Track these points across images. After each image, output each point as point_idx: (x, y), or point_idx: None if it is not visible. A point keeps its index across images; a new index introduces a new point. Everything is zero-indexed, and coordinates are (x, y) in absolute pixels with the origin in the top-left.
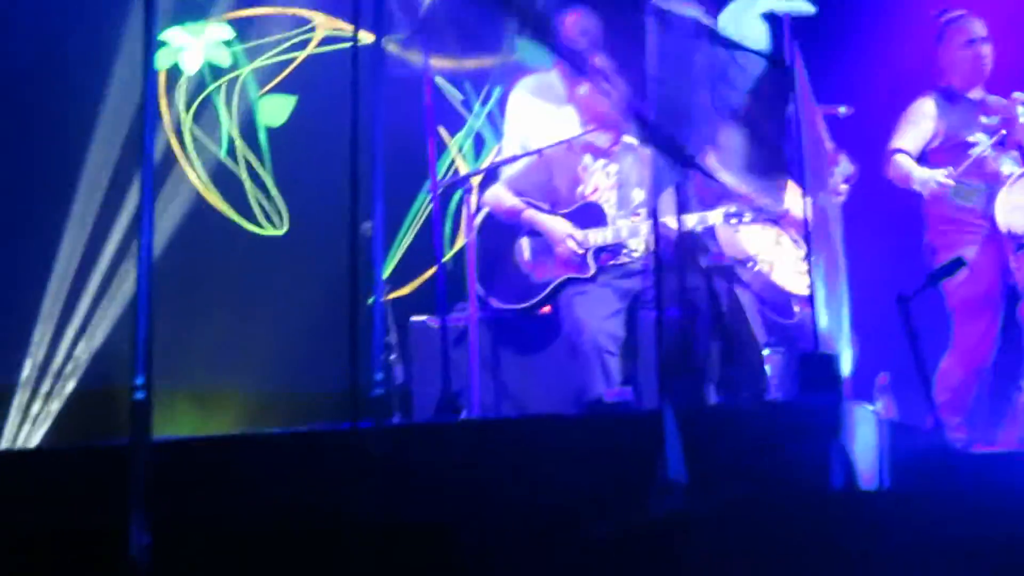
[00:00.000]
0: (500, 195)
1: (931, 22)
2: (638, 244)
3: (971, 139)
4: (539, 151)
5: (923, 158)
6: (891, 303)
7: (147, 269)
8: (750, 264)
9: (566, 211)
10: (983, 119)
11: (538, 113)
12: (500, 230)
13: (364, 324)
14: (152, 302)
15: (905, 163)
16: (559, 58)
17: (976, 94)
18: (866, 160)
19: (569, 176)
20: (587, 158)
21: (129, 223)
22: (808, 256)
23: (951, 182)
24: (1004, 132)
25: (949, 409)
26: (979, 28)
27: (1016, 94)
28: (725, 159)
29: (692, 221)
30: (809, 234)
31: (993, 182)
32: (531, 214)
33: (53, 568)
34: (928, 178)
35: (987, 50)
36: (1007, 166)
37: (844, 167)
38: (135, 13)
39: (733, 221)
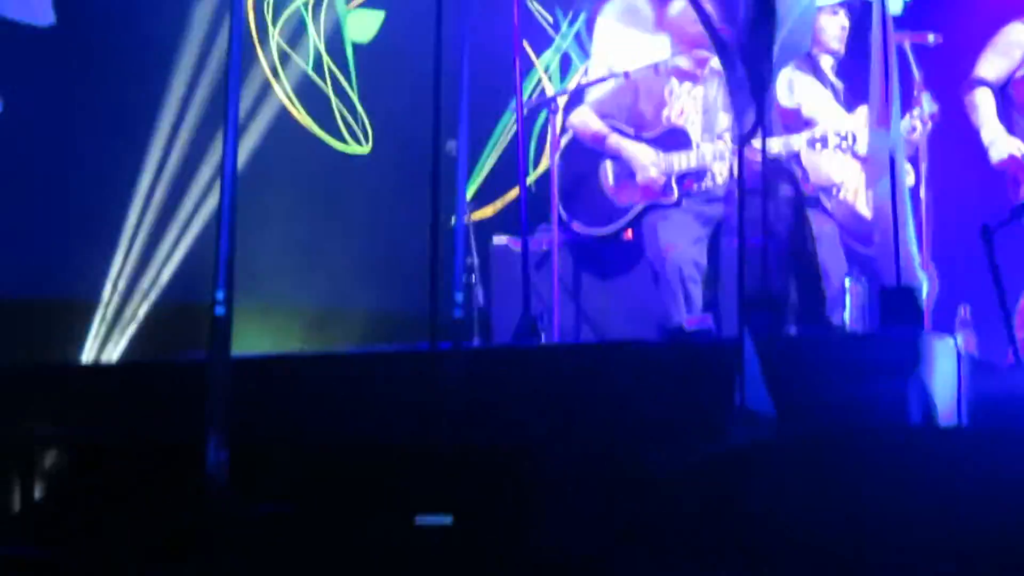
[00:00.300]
0: (585, 118)
1: None
2: (722, 169)
3: None
4: (626, 74)
5: (1007, 87)
6: (974, 235)
7: (231, 184)
8: (834, 191)
9: (651, 135)
10: None
11: (625, 37)
12: (584, 153)
13: (445, 245)
14: (236, 216)
15: (983, 110)
16: None
17: None
18: (954, 91)
19: (655, 100)
20: (673, 82)
21: (213, 137)
22: (892, 187)
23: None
24: None
25: None
26: None
27: None
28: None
29: (776, 146)
30: (893, 164)
31: None
32: (615, 139)
33: (131, 481)
34: (1001, 147)
35: None
36: None
37: (927, 106)
38: None
39: (818, 147)
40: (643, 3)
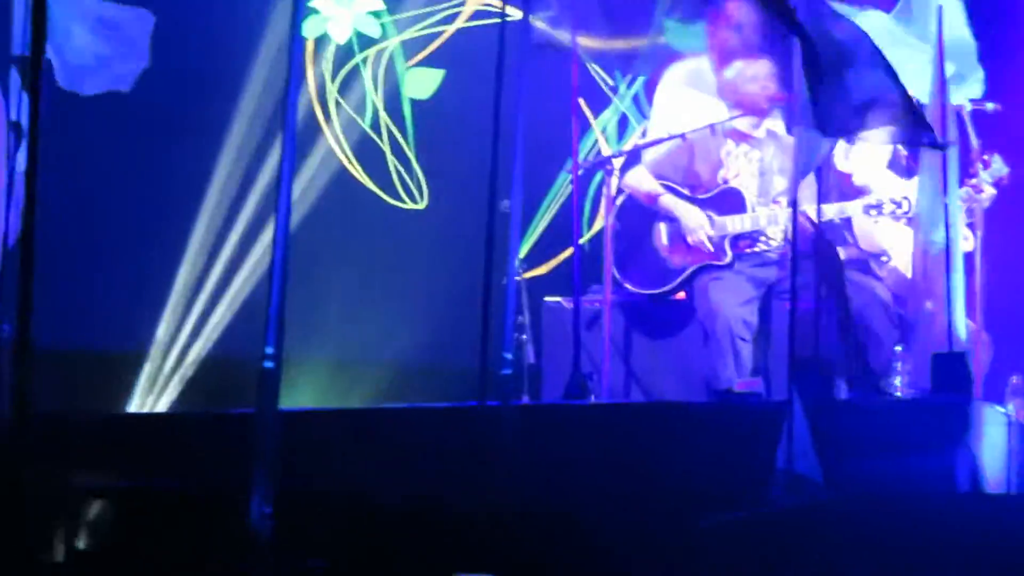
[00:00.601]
0: (640, 177)
1: None
2: (776, 233)
3: None
4: (682, 135)
5: None
6: None
7: (284, 239)
8: (884, 258)
9: (706, 196)
10: None
11: (686, 100)
12: (639, 213)
13: (497, 303)
14: (287, 272)
15: None
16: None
17: None
18: (1010, 158)
19: (711, 161)
20: (730, 143)
21: (269, 191)
22: (947, 254)
23: None
24: None
25: None
26: None
27: None
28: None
29: (831, 212)
30: (948, 234)
31: None
32: (668, 199)
33: (176, 530)
34: None
35: None
36: None
37: (997, 167)
38: None
39: (873, 213)
40: (705, 66)
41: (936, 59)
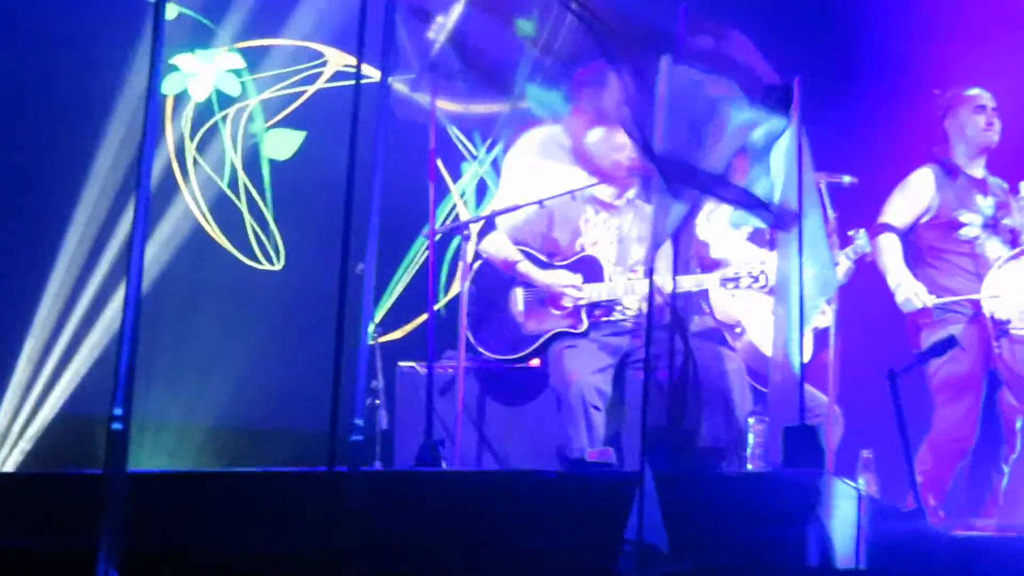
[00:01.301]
0: (498, 243)
1: (936, 98)
2: (632, 302)
3: (963, 219)
4: (540, 201)
5: (912, 231)
6: (877, 377)
7: (135, 298)
8: (738, 330)
9: (564, 263)
10: (979, 199)
11: (541, 166)
12: (496, 278)
13: (350, 367)
14: (140, 331)
15: (889, 255)
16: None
17: (977, 171)
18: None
19: (570, 228)
20: (589, 211)
21: (125, 249)
22: (800, 328)
23: (931, 302)
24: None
25: (928, 491)
26: (989, 100)
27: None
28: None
29: (688, 283)
30: (802, 309)
31: (980, 264)
32: (525, 267)
33: None
34: (909, 295)
35: (997, 123)
36: (994, 248)
37: (861, 243)
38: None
39: (730, 286)
40: (560, 134)
41: (794, 132)
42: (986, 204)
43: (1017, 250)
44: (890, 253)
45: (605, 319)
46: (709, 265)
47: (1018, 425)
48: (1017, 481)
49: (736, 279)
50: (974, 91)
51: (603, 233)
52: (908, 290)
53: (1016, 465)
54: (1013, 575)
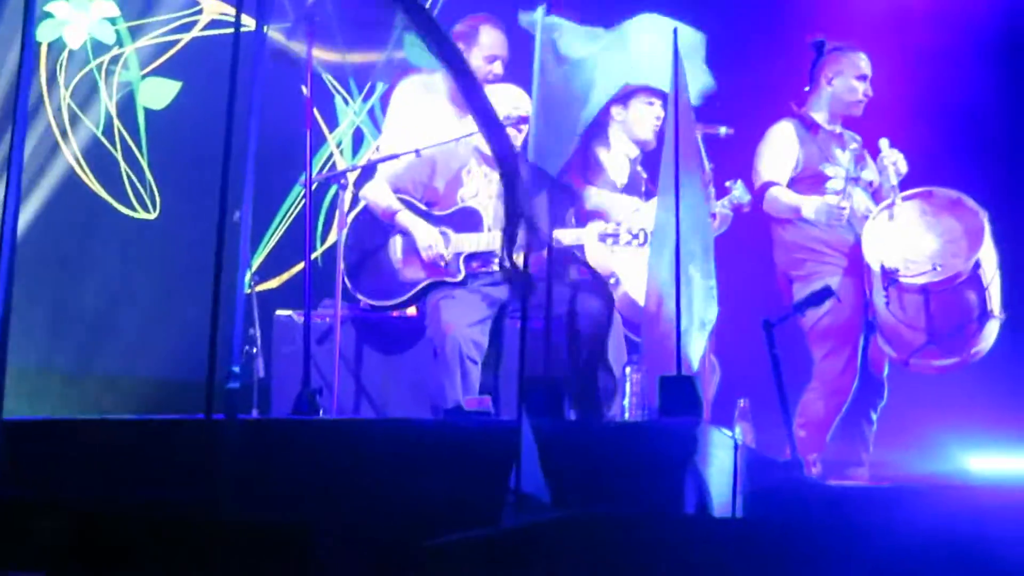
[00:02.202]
0: (378, 191)
1: (813, 45)
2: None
3: (828, 172)
4: (417, 151)
5: (790, 186)
6: (753, 328)
7: (10, 247)
8: (612, 281)
9: (443, 213)
10: (839, 152)
11: (424, 113)
12: (374, 225)
13: (227, 316)
14: (14, 280)
15: (786, 196)
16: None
17: (835, 127)
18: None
19: (451, 177)
20: (472, 162)
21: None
22: (677, 276)
23: (846, 205)
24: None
25: (807, 442)
26: (865, 65)
27: (883, 141)
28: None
29: (567, 238)
30: (679, 259)
31: (849, 216)
32: (404, 216)
33: None
34: (821, 206)
35: (869, 90)
36: (860, 199)
37: (739, 194)
38: None
39: (609, 242)
40: (441, 81)
41: (672, 82)
42: (845, 157)
43: (888, 201)
44: (786, 193)
45: (483, 270)
46: (584, 216)
47: (885, 373)
48: (886, 430)
49: (615, 235)
50: (860, 57)
51: (484, 186)
52: (821, 202)
53: (883, 413)
54: (887, 524)
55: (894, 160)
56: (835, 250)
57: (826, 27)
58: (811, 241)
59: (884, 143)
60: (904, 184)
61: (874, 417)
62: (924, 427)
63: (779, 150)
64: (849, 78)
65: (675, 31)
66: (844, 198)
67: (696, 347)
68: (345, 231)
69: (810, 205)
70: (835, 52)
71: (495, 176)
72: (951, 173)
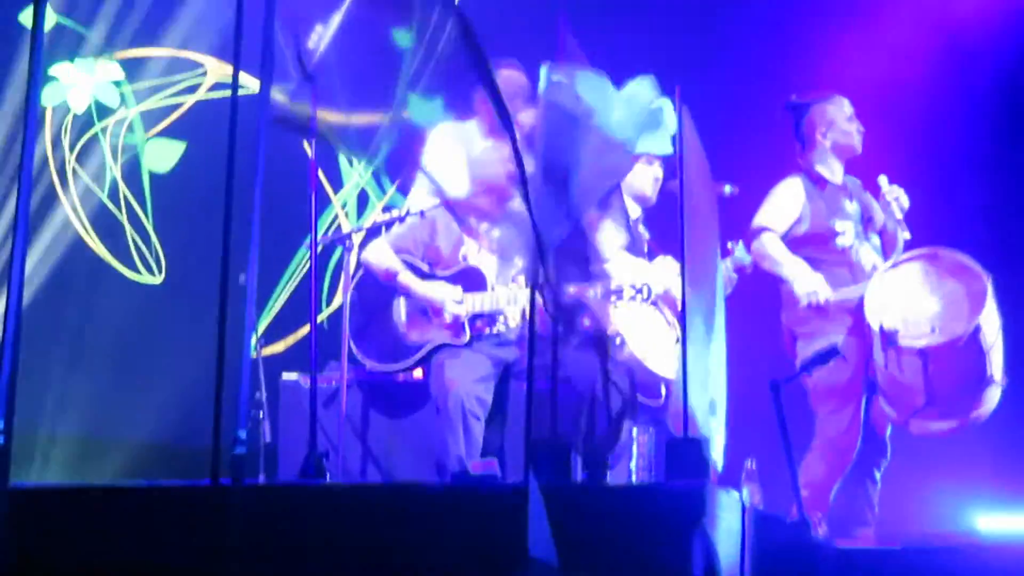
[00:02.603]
0: (379, 253)
1: (797, 106)
2: (515, 313)
3: (838, 227)
4: (421, 212)
5: (786, 242)
6: (758, 389)
7: (15, 312)
8: (617, 341)
9: (446, 273)
10: (847, 204)
11: (459, 157)
12: (380, 287)
13: (232, 380)
14: (21, 345)
15: (777, 250)
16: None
17: (838, 177)
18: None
19: (452, 237)
20: (472, 221)
21: (3, 262)
22: (683, 338)
23: (832, 296)
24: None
25: (810, 501)
26: (848, 105)
27: (881, 179)
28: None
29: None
30: (684, 316)
31: (856, 272)
32: (406, 279)
33: None
34: (810, 288)
35: (860, 125)
36: (867, 255)
37: (740, 255)
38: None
39: (613, 299)
40: (474, 128)
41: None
42: (853, 208)
43: (892, 260)
44: (777, 248)
45: (488, 330)
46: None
47: (888, 432)
48: (891, 490)
49: (619, 291)
50: (842, 100)
51: (485, 244)
52: (811, 281)
53: (887, 473)
54: None
55: (896, 196)
56: (842, 309)
57: (825, 81)
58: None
59: (883, 180)
60: (910, 237)
61: (878, 476)
62: (930, 487)
63: (783, 203)
64: (841, 124)
65: (678, 90)
66: (853, 255)
67: (716, 433)
68: (351, 293)
69: (792, 266)
70: (817, 106)
71: (496, 233)
72: (956, 233)
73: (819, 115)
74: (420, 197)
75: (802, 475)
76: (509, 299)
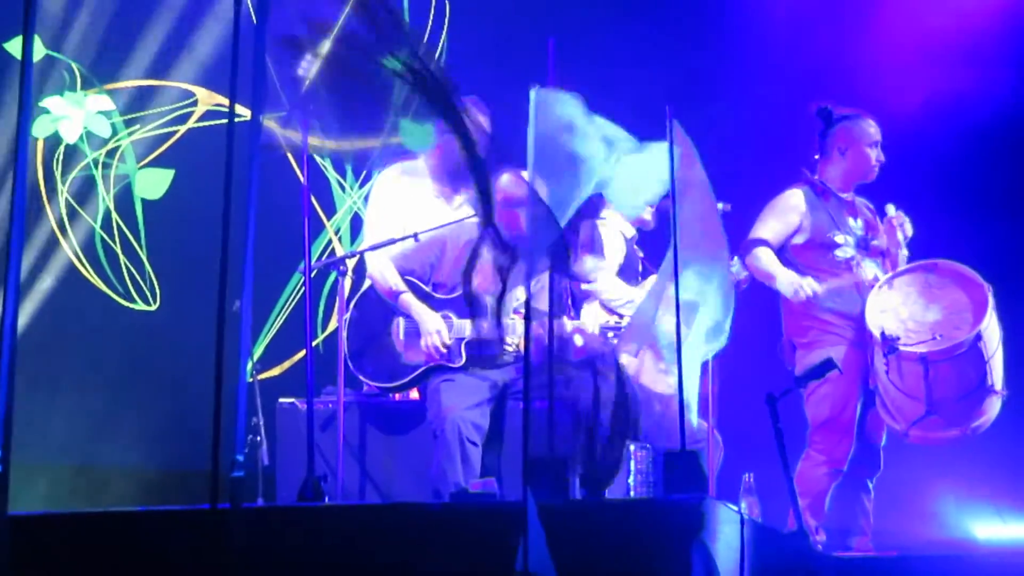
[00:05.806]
0: (385, 271)
1: (821, 114)
2: (512, 340)
3: (837, 239)
4: (415, 236)
5: (783, 251)
6: (756, 401)
7: (10, 342)
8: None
9: (447, 297)
10: (850, 220)
11: (407, 197)
12: (379, 305)
13: (230, 405)
14: (17, 375)
15: (767, 260)
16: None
17: (847, 193)
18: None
19: (460, 257)
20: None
21: None
22: (678, 355)
23: (820, 288)
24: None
25: (809, 512)
26: (875, 131)
27: (889, 207)
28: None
29: (571, 327)
30: (679, 334)
31: (857, 285)
32: (407, 299)
33: None
34: (795, 282)
35: (881, 155)
36: (870, 270)
37: (735, 270)
38: (15, 79)
39: (611, 334)
40: (421, 165)
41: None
42: (857, 226)
43: (890, 275)
44: (769, 258)
45: (485, 354)
46: (579, 298)
47: (882, 443)
48: (885, 498)
49: (617, 328)
50: (870, 124)
51: (488, 269)
52: (796, 277)
53: (880, 482)
54: None
55: (901, 222)
56: (842, 319)
57: (831, 96)
58: (819, 310)
59: (891, 208)
60: (908, 255)
61: (871, 486)
62: (927, 496)
63: (781, 215)
64: (862, 147)
65: (668, 110)
66: (855, 267)
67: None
68: (348, 315)
69: (783, 277)
70: (845, 122)
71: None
72: (959, 245)
73: (844, 132)
74: (380, 228)
75: (798, 486)
76: (508, 328)
